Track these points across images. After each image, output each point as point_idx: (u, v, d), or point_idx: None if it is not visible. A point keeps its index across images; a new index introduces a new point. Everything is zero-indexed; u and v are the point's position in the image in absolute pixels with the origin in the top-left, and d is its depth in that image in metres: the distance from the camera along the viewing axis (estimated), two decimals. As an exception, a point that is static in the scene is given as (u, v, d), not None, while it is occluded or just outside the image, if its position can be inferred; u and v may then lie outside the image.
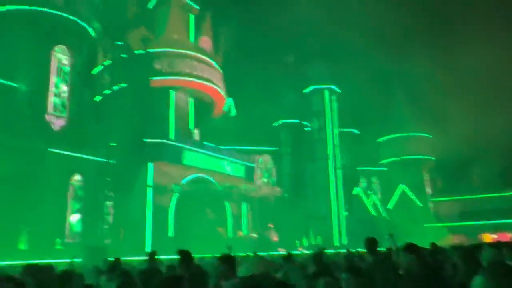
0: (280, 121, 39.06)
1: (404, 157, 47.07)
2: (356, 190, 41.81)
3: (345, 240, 34.07)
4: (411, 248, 3.99)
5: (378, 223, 37.68)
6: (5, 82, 24.32)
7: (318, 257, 5.99)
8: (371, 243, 5.39)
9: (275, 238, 30.25)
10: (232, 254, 8.57)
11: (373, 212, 41.13)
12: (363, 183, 48.28)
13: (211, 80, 29.79)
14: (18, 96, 24.71)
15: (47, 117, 25.67)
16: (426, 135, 48.47)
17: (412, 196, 44.91)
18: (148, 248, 21.92)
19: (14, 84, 24.66)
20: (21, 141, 21.62)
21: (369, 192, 45.89)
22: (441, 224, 41.71)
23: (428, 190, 49.24)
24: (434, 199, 48.25)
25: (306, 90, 39.21)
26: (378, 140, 50.41)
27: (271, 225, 30.77)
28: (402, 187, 45.46)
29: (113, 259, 6.86)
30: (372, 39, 60.24)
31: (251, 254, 14.85)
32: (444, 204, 46.14)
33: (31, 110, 24.54)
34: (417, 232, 31.07)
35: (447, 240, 34.38)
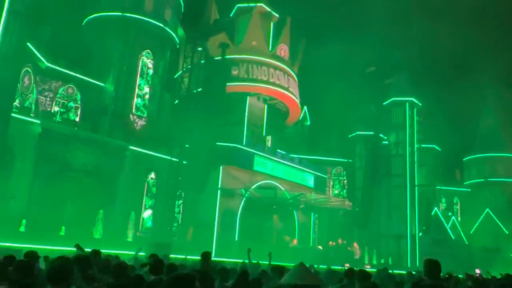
0: (356, 133, 37.92)
1: (491, 179, 43.41)
2: (435, 211, 39.29)
3: (418, 262, 32.08)
4: None
5: (457, 247, 35.09)
6: (95, 81, 26.29)
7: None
8: (435, 266, 4.82)
9: (357, 252, 28.83)
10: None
11: (453, 236, 38.37)
12: (443, 203, 45.36)
13: (287, 88, 29.80)
14: (106, 95, 26.57)
15: (131, 116, 27.25)
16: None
17: (498, 222, 41.21)
18: (214, 250, 22.27)
19: (103, 84, 26.57)
20: (106, 137, 23.16)
21: (449, 214, 42.97)
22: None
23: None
24: (524, 227, 43.85)
25: (386, 102, 37.75)
26: (462, 159, 47.10)
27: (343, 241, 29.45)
28: (487, 212, 41.91)
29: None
30: (458, 50, 56.78)
31: (316, 266, 14.49)
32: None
33: (116, 109, 26.24)
34: (500, 261, 28.43)
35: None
